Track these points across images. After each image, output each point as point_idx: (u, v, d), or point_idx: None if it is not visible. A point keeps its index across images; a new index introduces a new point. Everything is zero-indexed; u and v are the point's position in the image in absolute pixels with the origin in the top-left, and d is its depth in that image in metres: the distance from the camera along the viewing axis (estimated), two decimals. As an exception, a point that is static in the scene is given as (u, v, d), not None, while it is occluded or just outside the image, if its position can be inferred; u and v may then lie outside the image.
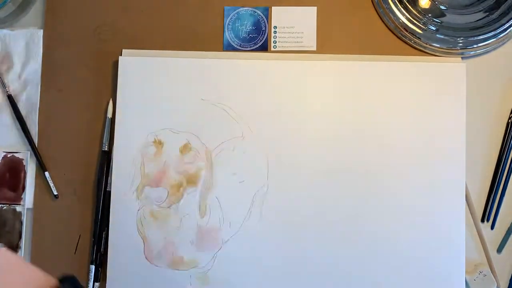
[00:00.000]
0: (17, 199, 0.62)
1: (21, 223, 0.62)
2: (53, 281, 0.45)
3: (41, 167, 0.62)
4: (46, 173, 0.61)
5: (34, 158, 0.62)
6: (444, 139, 0.60)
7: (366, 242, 0.59)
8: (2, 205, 0.62)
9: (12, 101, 0.62)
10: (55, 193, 0.61)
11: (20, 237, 0.62)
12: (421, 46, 0.62)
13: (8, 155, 0.62)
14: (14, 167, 0.62)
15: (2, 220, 0.62)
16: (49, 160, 0.62)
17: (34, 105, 0.63)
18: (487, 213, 0.61)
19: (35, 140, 0.62)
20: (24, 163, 0.62)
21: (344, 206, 0.60)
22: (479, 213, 0.61)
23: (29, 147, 0.62)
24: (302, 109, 0.61)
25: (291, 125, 0.60)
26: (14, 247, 0.61)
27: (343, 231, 0.59)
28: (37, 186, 0.62)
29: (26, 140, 0.62)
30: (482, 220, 0.61)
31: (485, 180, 0.62)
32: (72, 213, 0.62)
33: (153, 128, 0.61)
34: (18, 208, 0.62)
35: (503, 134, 0.62)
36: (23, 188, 0.62)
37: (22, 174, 0.62)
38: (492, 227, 0.61)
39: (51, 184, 0.61)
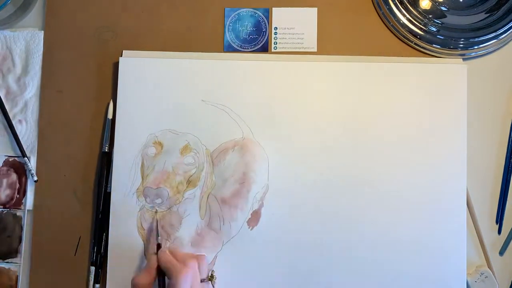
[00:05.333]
0: (18, 203, 0.62)
1: (21, 227, 0.62)
2: None
3: (21, 152, 0.62)
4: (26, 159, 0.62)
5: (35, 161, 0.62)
6: (445, 141, 0.60)
7: (367, 243, 0.59)
8: (2, 209, 0.62)
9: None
10: (35, 179, 0.62)
11: (20, 241, 0.61)
12: (421, 47, 0.62)
13: (10, 159, 0.62)
14: (15, 171, 0.62)
15: (2, 225, 0.62)
16: (49, 161, 0.62)
17: (34, 106, 0.63)
18: (499, 217, 0.61)
19: (35, 141, 0.62)
20: (25, 168, 0.62)
21: (344, 207, 0.59)
22: (483, 216, 0.61)
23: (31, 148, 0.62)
24: (302, 110, 0.61)
25: (291, 126, 0.60)
26: (14, 252, 0.61)
27: (344, 233, 0.59)
28: (37, 188, 0.62)
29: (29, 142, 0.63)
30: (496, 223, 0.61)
31: (486, 182, 0.62)
32: (72, 214, 0.62)
33: (153, 129, 0.61)
34: (18, 213, 0.62)
35: (504, 135, 0.62)
36: (24, 193, 0.62)
37: (24, 179, 0.62)
38: (499, 232, 0.61)
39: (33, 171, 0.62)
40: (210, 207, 0.59)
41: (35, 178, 0.61)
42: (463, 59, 0.62)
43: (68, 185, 0.62)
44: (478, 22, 0.62)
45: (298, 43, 0.63)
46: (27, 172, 0.62)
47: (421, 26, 0.62)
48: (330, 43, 0.63)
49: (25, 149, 0.62)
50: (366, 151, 0.60)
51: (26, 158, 0.61)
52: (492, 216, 0.61)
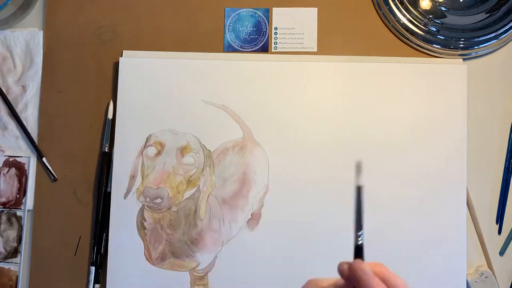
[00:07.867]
0: (18, 203, 0.62)
1: (21, 227, 0.62)
2: None
3: (37, 152, 0.62)
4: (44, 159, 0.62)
5: (36, 161, 0.62)
6: (445, 141, 0.60)
7: (367, 243, 0.59)
8: (2, 209, 0.62)
9: (5, 98, 0.62)
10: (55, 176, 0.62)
11: (20, 241, 0.61)
12: (421, 47, 0.62)
13: (10, 159, 0.62)
14: (15, 171, 0.62)
15: (2, 225, 0.62)
16: (49, 161, 0.62)
17: (34, 106, 0.63)
18: (499, 217, 0.61)
19: (36, 142, 0.62)
20: (26, 167, 0.62)
21: (344, 207, 0.59)
22: (483, 216, 0.61)
23: (32, 149, 0.62)
24: (302, 110, 0.61)
25: (291, 126, 0.60)
26: (14, 252, 0.61)
27: (344, 233, 0.59)
28: (37, 188, 0.62)
29: (28, 142, 0.62)
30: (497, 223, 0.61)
31: (486, 182, 0.61)
32: (72, 214, 0.62)
33: (153, 129, 0.61)
34: (18, 213, 0.62)
35: (504, 135, 0.62)
36: (24, 192, 0.62)
37: (24, 179, 0.62)
38: (499, 232, 0.61)
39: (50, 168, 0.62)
40: (210, 207, 0.60)
41: (54, 177, 0.62)
42: (463, 59, 0.62)
43: (68, 185, 0.62)
44: (478, 22, 0.62)
45: (298, 43, 0.63)
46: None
47: (421, 26, 0.62)
48: (330, 43, 0.63)
49: (25, 149, 0.62)
50: (366, 150, 0.60)
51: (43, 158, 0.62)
52: (492, 216, 0.61)
